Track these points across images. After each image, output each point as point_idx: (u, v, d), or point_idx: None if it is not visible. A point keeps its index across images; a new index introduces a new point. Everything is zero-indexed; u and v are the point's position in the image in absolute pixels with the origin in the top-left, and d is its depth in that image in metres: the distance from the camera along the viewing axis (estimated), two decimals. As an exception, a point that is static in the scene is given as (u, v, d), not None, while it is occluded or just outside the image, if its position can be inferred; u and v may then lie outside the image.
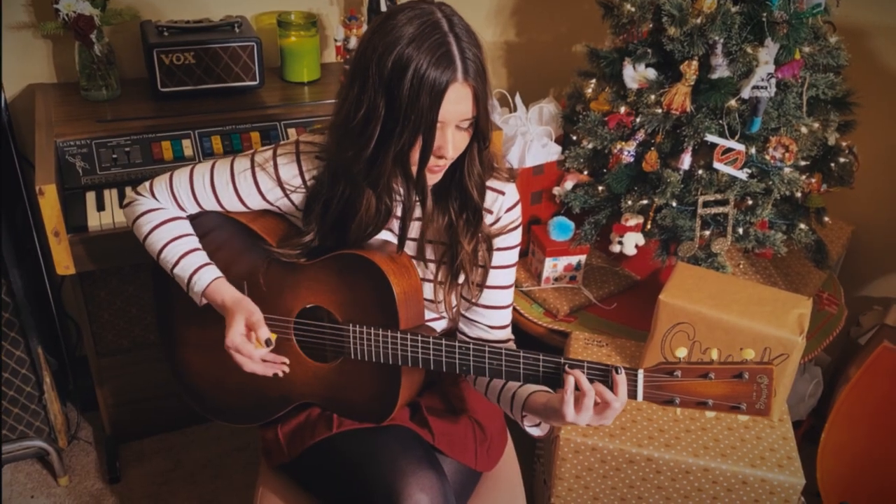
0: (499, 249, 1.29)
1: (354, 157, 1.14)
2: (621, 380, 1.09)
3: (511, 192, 1.29)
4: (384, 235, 1.29)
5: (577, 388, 1.11)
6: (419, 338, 1.20)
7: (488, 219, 1.28)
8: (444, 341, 1.20)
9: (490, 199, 1.27)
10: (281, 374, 1.28)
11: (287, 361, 1.29)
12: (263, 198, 1.29)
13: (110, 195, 1.69)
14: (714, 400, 1.08)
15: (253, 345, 1.24)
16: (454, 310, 1.31)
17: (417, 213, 1.25)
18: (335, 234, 1.25)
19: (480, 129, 1.14)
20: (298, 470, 1.37)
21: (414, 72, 1.04)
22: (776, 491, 1.52)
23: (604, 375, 1.11)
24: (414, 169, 1.13)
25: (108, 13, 1.84)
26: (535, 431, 1.25)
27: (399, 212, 1.23)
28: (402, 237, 1.24)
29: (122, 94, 1.92)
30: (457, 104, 1.08)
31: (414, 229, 1.29)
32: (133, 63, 2.01)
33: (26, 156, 1.95)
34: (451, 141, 1.11)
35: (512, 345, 1.36)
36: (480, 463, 1.37)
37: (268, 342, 1.25)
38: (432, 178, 1.18)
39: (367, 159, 1.13)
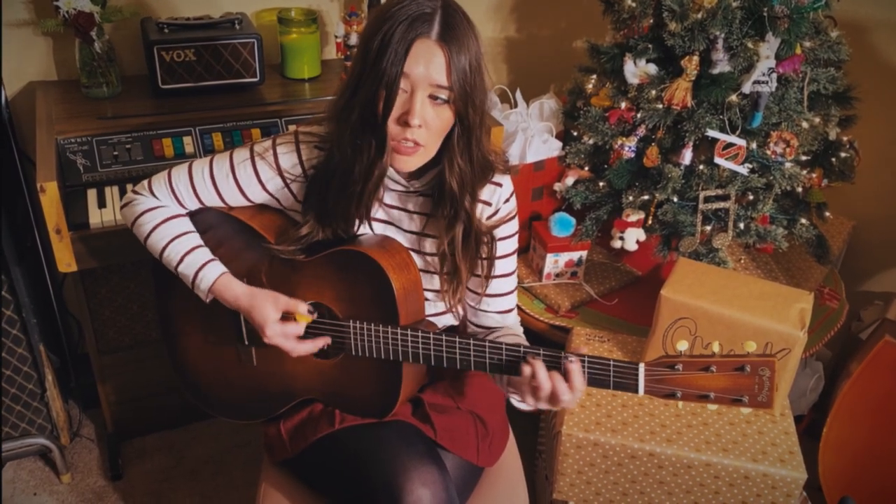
0: (499, 239, 1.32)
1: (334, 117, 1.17)
2: (574, 369, 1.11)
3: (507, 183, 1.32)
4: (381, 229, 1.30)
5: (533, 376, 1.13)
6: (419, 334, 1.20)
7: (487, 210, 1.30)
8: (444, 337, 1.20)
9: (489, 191, 1.29)
10: (324, 347, 1.27)
11: (329, 340, 1.28)
12: (264, 188, 1.29)
13: (111, 192, 1.69)
14: (716, 393, 1.07)
15: (294, 323, 1.24)
16: (458, 301, 1.32)
17: (394, 188, 1.26)
18: (331, 223, 1.25)
19: (458, 111, 1.13)
20: (301, 466, 1.37)
21: (389, 26, 1.07)
22: (778, 486, 1.52)
23: (556, 362, 1.13)
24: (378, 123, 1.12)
25: (108, 10, 1.84)
26: (522, 406, 1.25)
27: (381, 194, 1.24)
28: (362, 194, 1.20)
29: (123, 91, 1.92)
30: (427, 64, 1.08)
31: (408, 220, 1.29)
32: (134, 60, 2.01)
33: (27, 153, 1.95)
34: (420, 108, 1.10)
35: (519, 328, 1.40)
36: (482, 458, 1.37)
37: (309, 311, 1.26)
38: (404, 161, 1.16)
39: (340, 111, 1.15)
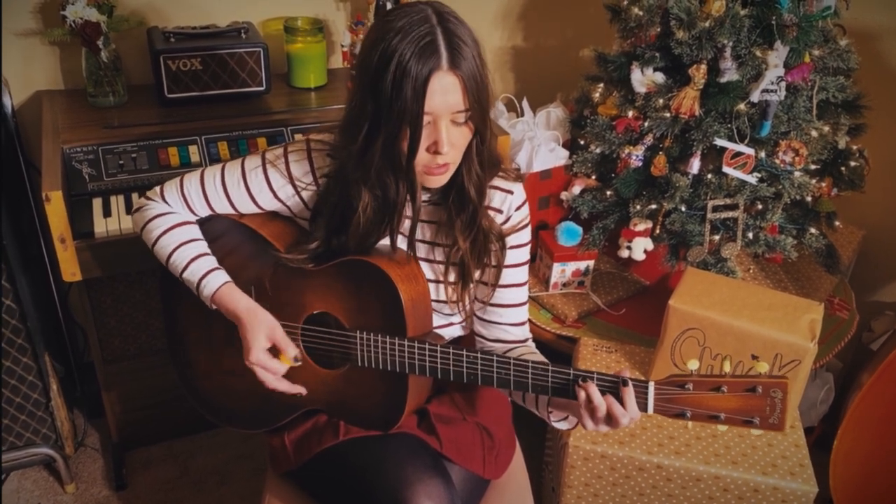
0: (510, 248, 1.31)
1: (348, 152, 1.16)
2: (629, 392, 1.10)
3: (519, 191, 1.31)
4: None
5: (590, 400, 1.11)
6: (426, 346, 1.19)
7: (498, 218, 1.29)
8: (451, 350, 1.19)
9: (499, 198, 1.29)
10: (300, 395, 1.28)
11: (304, 390, 1.28)
12: (275, 195, 1.28)
13: (117, 201, 1.69)
14: (726, 414, 1.06)
15: (278, 362, 1.24)
16: (467, 310, 1.31)
17: (409, 210, 1.24)
18: (341, 239, 1.25)
19: (476, 124, 1.13)
20: (305, 477, 1.36)
21: (397, 63, 1.05)
22: (788, 499, 1.50)
23: (613, 387, 1.11)
24: (404, 162, 1.13)
25: (114, 20, 1.85)
26: (564, 425, 1.25)
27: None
28: (393, 234, 1.24)
29: (129, 100, 1.92)
30: (444, 95, 1.07)
31: (419, 230, 1.29)
32: (140, 69, 2.01)
33: (33, 162, 1.96)
34: (446, 136, 1.10)
35: (531, 343, 1.38)
36: (488, 470, 1.36)
37: (295, 359, 1.25)
38: (436, 181, 1.17)
39: (358, 153, 1.14)
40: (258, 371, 1.24)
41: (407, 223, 1.26)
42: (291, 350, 1.24)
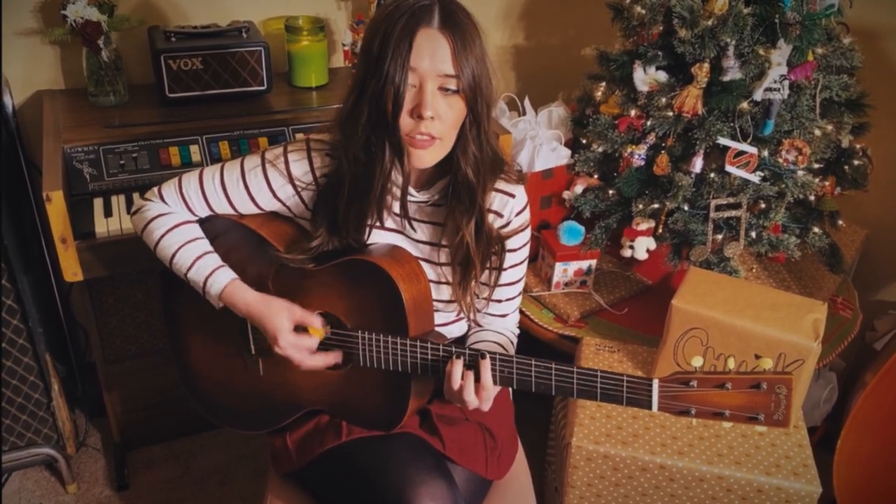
0: (510, 251, 1.31)
1: (340, 113, 1.18)
2: (484, 365, 1.16)
3: (521, 194, 1.31)
4: (392, 239, 1.28)
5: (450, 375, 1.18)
6: (429, 345, 1.19)
7: (499, 222, 1.29)
8: (453, 349, 1.18)
9: (500, 202, 1.28)
10: (335, 363, 1.27)
11: (339, 358, 1.27)
12: (274, 195, 1.28)
13: (118, 201, 1.68)
14: (731, 411, 1.05)
15: (308, 336, 1.23)
16: (471, 309, 1.32)
17: (410, 192, 1.24)
18: (340, 231, 1.24)
19: (468, 101, 1.13)
20: (307, 478, 1.35)
21: (388, 24, 1.08)
22: (792, 499, 1.49)
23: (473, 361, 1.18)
24: (390, 121, 1.12)
25: (115, 19, 1.84)
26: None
27: (390, 202, 1.23)
28: (381, 200, 1.21)
29: (130, 99, 1.92)
30: (432, 55, 1.08)
31: (421, 231, 1.28)
32: (141, 69, 2.01)
33: (34, 162, 1.95)
34: (431, 100, 1.10)
35: (516, 329, 1.43)
36: (491, 471, 1.36)
37: (323, 325, 1.25)
38: (422, 156, 1.16)
39: (348, 113, 1.16)
40: (292, 353, 1.22)
41: (397, 207, 1.26)
42: (316, 320, 1.24)
